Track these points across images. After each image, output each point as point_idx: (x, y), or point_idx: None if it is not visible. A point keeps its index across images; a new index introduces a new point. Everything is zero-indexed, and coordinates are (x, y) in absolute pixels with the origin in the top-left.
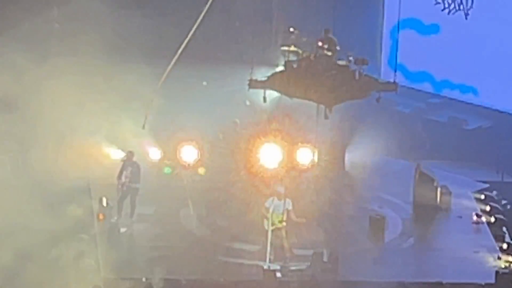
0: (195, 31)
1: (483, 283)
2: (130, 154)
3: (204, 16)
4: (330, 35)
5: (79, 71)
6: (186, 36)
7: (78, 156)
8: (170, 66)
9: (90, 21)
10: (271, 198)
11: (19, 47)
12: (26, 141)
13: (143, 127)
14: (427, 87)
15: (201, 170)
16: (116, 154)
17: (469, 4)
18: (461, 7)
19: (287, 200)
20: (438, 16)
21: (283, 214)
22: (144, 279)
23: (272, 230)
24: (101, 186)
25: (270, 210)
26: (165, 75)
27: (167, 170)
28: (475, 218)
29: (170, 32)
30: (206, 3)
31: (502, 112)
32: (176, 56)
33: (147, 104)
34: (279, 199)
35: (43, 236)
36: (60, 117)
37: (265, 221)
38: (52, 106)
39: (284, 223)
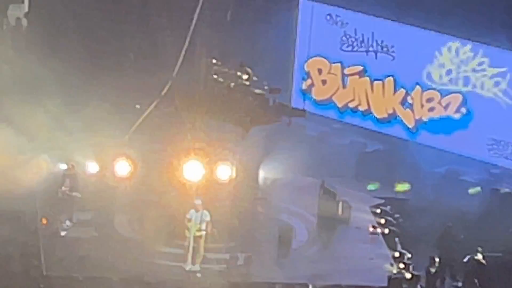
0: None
1: (377, 286)
2: (71, 167)
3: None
4: (245, 68)
5: (21, 82)
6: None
7: (25, 167)
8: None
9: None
10: (191, 210)
11: None
12: None
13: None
14: (331, 114)
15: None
16: (60, 166)
17: (370, 42)
18: (363, 44)
19: (205, 212)
20: (341, 54)
21: (200, 224)
22: (80, 277)
23: (193, 237)
24: (46, 194)
25: (192, 220)
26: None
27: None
28: (371, 229)
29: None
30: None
31: (396, 137)
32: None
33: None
34: (197, 211)
35: None
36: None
37: (186, 230)
38: None
39: (202, 232)
